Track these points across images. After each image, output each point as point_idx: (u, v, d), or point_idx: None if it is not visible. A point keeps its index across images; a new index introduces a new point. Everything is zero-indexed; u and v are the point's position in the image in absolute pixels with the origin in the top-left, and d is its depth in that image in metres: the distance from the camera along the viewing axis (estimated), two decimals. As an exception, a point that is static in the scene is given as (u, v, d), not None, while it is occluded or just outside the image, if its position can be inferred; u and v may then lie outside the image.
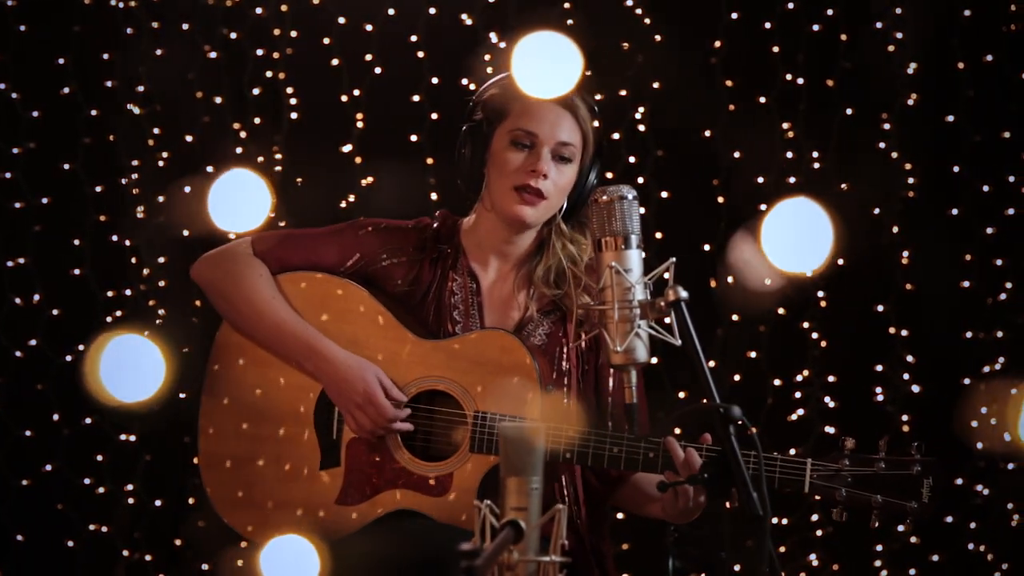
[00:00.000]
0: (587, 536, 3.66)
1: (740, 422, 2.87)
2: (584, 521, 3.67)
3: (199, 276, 3.76)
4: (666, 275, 3.33)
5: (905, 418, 5.56)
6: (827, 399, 5.58)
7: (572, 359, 3.68)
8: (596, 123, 3.75)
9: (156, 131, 5.59)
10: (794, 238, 3.23)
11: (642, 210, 5.45)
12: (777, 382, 5.60)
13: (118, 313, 5.58)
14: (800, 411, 5.58)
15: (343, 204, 5.62)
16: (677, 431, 3.47)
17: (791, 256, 3.20)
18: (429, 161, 5.60)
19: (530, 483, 2.67)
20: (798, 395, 5.59)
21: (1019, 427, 3.35)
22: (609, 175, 5.61)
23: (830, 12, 5.57)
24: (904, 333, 5.58)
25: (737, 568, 5.49)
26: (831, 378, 5.59)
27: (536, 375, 3.55)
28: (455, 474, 3.56)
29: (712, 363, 5.60)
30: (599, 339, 3.16)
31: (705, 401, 2.95)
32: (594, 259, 3.19)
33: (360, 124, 5.64)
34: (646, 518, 3.75)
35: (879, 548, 5.56)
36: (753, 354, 5.61)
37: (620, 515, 5.36)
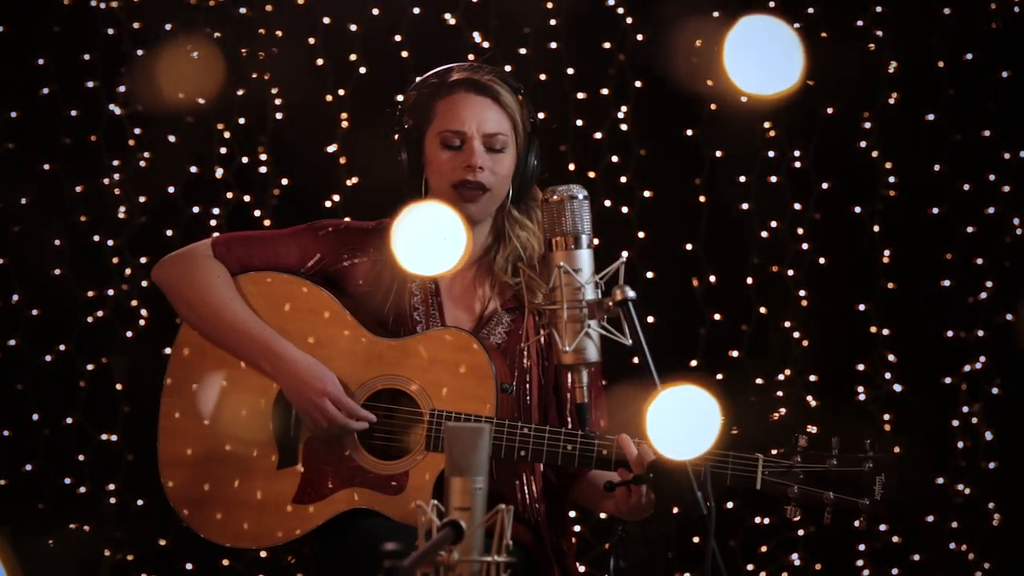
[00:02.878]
0: (547, 533, 3.66)
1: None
2: (543, 518, 3.67)
3: (159, 278, 3.78)
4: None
5: (887, 417, 5.56)
6: (809, 398, 5.57)
7: (533, 356, 3.68)
8: (522, 105, 3.72)
9: (137, 131, 5.60)
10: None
11: (624, 209, 5.58)
12: (759, 381, 5.60)
13: (99, 313, 5.58)
14: (782, 410, 5.57)
15: (328, 204, 5.62)
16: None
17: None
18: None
19: (474, 483, 2.66)
20: (780, 394, 5.58)
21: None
22: (591, 175, 5.61)
23: (811, 10, 5.57)
24: (886, 332, 5.57)
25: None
26: (813, 377, 5.59)
27: (492, 374, 3.55)
28: (411, 473, 3.56)
29: (695, 362, 5.60)
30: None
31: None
32: (545, 257, 3.18)
33: (345, 124, 5.64)
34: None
35: (861, 548, 5.55)
36: (735, 353, 5.60)
37: (603, 514, 5.36)
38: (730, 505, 5.51)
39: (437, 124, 3.69)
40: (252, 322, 3.66)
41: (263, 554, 5.46)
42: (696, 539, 5.55)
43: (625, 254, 3.19)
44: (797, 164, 5.61)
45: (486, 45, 5.61)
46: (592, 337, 3.06)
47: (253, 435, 3.66)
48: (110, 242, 5.59)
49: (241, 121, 5.66)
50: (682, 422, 2.81)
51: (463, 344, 3.58)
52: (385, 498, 3.56)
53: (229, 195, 5.64)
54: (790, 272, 5.60)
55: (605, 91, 5.65)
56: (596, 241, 5.54)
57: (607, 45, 5.63)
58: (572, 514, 5.45)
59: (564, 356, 3.09)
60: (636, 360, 5.40)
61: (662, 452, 2.84)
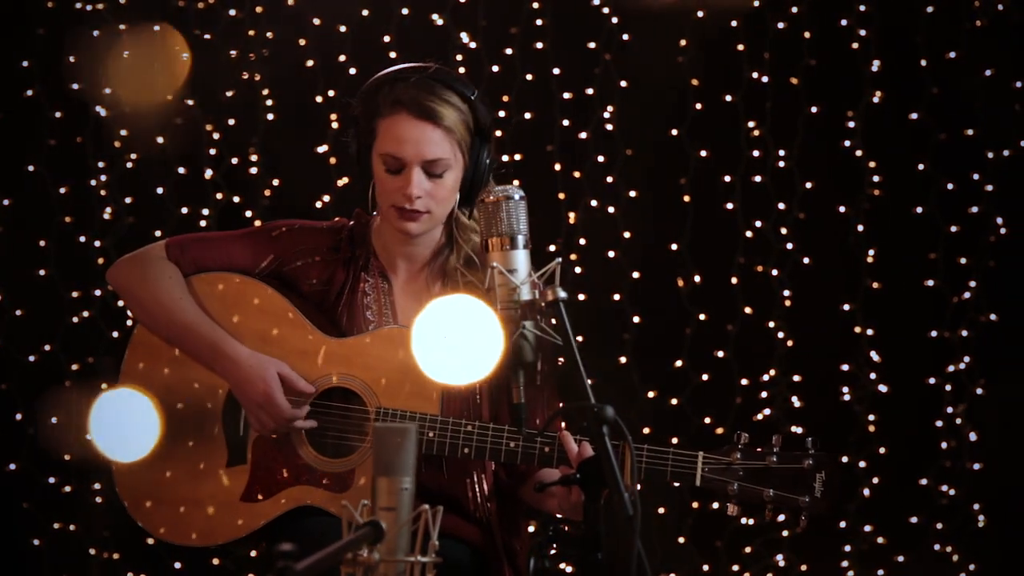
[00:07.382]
0: (498, 532, 3.66)
1: (613, 422, 2.85)
2: (495, 516, 3.67)
3: (113, 279, 3.81)
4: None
5: (871, 417, 5.54)
6: (794, 399, 5.56)
7: (484, 355, 3.68)
8: (469, 116, 3.65)
9: (123, 132, 5.61)
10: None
11: (610, 209, 5.57)
12: (744, 381, 5.58)
13: (85, 313, 5.60)
14: (767, 410, 5.56)
15: (318, 204, 5.63)
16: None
17: None
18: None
19: (401, 483, 2.65)
20: (765, 395, 5.57)
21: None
22: (577, 174, 5.61)
23: (795, 10, 5.55)
24: (870, 332, 5.56)
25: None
26: (797, 377, 5.57)
27: None
28: (356, 471, 3.57)
29: (680, 362, 5.59)
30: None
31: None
32: (481, 258, 3.18)
33: (335, 125, 5.65)
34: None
35: (847, 548, 5.53)
36: (720, 353, 5.59)
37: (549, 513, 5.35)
38: (715, 506, 5.50)
39: (379, 144, 3.64)
40: (201, 321, 3.67)
41: (253, 553, 5.47)
42: (682, 540, 5.54)
43: (559, 259, 3.13)
44: (781, 164, 5.59)
45: (473, 46, 5.61)
46: (527, 338, 3.05)
47: (203, 434, 3.67)
48: (96, 243, 5.61)
49: (231, 122, 5.67)
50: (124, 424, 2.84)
51: (409, 342, 3.59)
52: (332, 496, 3.57)
53: (219, 196, 5.65)
54: (775, 272, 5.59)
55: (591, 91, 5.64)
56: (582, 241, 5.58)
57: (592, 45, 5.63)
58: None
59: (499, 357, 3.09)
60: (624, 360, 5.47)
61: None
